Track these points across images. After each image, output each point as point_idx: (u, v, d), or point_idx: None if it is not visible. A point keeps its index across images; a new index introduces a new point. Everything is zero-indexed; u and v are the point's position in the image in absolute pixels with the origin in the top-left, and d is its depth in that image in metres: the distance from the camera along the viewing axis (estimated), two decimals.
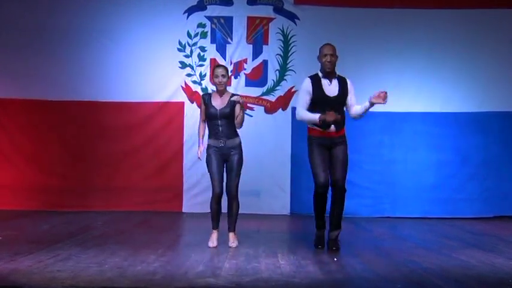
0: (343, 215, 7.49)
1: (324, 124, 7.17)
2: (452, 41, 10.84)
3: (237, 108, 7.40)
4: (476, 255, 6.98)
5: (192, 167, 10.68)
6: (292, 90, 10.82)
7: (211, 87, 10.81)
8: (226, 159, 7.44)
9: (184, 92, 10.78)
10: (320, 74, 7.47)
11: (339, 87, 7.39)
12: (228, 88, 7.72)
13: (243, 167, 7.53)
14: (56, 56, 10.69)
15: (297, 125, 10.71)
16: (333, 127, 7.29)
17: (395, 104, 10.78)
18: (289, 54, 10.85)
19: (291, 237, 8.90)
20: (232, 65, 10.80)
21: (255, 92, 10.86)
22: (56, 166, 10.76)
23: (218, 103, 7.44)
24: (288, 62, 10.85)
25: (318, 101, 7.32)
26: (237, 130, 7.52)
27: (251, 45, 10.87)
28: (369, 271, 6.05)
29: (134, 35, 10.76)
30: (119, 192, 10.63)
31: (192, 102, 10.77)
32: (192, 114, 10.66)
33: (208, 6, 10.86)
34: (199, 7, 10.86)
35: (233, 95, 7.54)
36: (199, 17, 10.88)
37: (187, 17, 10.86)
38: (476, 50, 10.84)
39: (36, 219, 9.49)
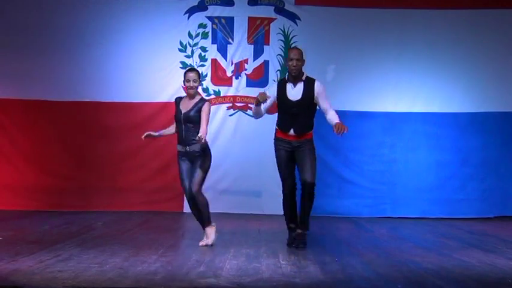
0: (310, 215, 7.58)
1: (258, 103, 7.29)
2: (452, 41, 10.84)
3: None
4: (477, 256, 6.99)
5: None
6: None
7: (212, 88, 10.84)
8: (192, 161, 7.47)
9: (186, 92, 10.77)
10: (286, 78, 7.51)
11: (303, 91, 7.38)
12: (200, 91, 7.81)
13: (210, 168, 7.61)
14: (57, 57, 10.70)
15: None
16: (292, 131, 7.38)
17: (395, 105, 10.84)
18: None
19: None
20: (233, 66, 10.82)
21: (255, 92, 10.80)
22: (56, 166, 10.77)
23: (184, 106, 7.48)
24: None
25: (281, 105, 7.47)
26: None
27: (252, 46, 10.88)
28: (369, 271, 6.06)
29: (135, 36, 10.76)
30: (120, 193, 10.64)
31: None
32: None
33: (209, 7, 10.87)
34: (200, 7, 10.87)
35: (202, 99, 7.58)
36: (200, 17, 10.88)
37: (188, 18, 10.86)
38: (476, 50, 10.83)
39: (37, 219, 9.50)
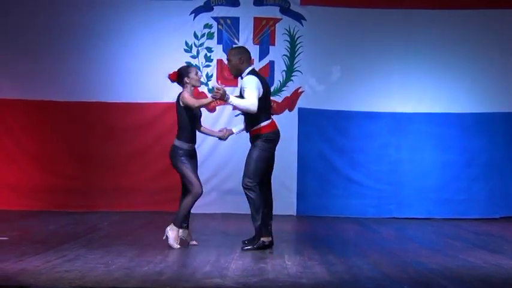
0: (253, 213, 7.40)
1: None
2: (457, 42, 10.84)
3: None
4: (482, 256, 6.98)
5: (198, 168, 10.68)
6: (299, 90, 10.84)
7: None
8: (194, 159, 7.55)
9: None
10: None
11: (240, 88, 7.35)
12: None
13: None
14: (63, 58, 10.73)
15: (303, 125, 10.75)
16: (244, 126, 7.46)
17: (401, 105, 10.84)
18: (296, 55, 10.86)
19: (297, 237, 8.92)
20: None
21: None
22: (62, 167, 10.80)
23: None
24: (294, 62, 10.86)
25: None
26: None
27: (258, 46, 10.88)
28: (375, 271, 6.06)
29: (141, 36, 10.79)
30: (126, 193, 10.66)
31: None
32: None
33: (214, 7, 10.88)
34: (206, 8, 10.89)
35: None
36: (205, 17, 10.91)
37: (194, 18, 10.88)
38: (481, 51, 10.84)
39: (43, 219, 9.53)
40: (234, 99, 7.12)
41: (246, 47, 10.65)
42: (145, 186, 10.68)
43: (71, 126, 10.84)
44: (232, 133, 7.73)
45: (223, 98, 7.01)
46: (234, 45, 9.87)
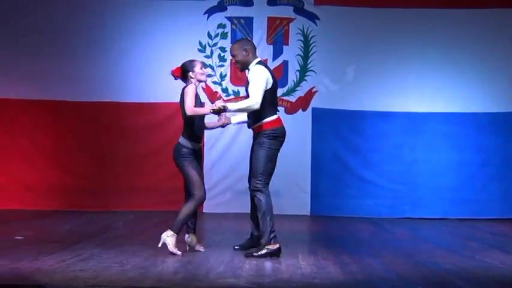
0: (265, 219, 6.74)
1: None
2: (472, 41, 10.79)
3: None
4: (498, 257, 6.94)
5: (212, 168, 10.70)
6: (313, 90, 10.83)
7: (231, 88, 10.86)
8: (197, 160, 7.01)
9: (205, 92, 10.78)
10: None
11: (246, 79, 7.06)
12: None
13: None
14: (77, 58, 10.78)
15: (317, 125, 10.74)
16: (248, 123, 7.09)
17: (416, 105, 10.80)
18: (310, 54, 10.85)
19: (311, 238, 8.90)
20: None
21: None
22: (77, 167, 10.84)
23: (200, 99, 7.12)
24: (308, 62, 10.85)
25: None
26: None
27: (271, 46, 10.89)
28: (389, 272, 6.04)
29: (155, 36, 10.81)
30: (140, 192, 10.68)
31: (213, 103, 10.78)
32: (213, 115, 10.66)
33: (228, 7, 10.89)
34: (220, 8, 10.90)
35: None
36: (219, 17, 10.92)
37: (208, 18, 10.89)
38: (497, 50, 10.79)
39: (58, 219, 9.56)
40: (233, 106, 6.82)
41: (261, 47, 10.82)
42: (159, 186, 10.70)
43: (84, 126, 10.89)
44: (230, 123, 7.34)
45: (222, 111, 6.78)
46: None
